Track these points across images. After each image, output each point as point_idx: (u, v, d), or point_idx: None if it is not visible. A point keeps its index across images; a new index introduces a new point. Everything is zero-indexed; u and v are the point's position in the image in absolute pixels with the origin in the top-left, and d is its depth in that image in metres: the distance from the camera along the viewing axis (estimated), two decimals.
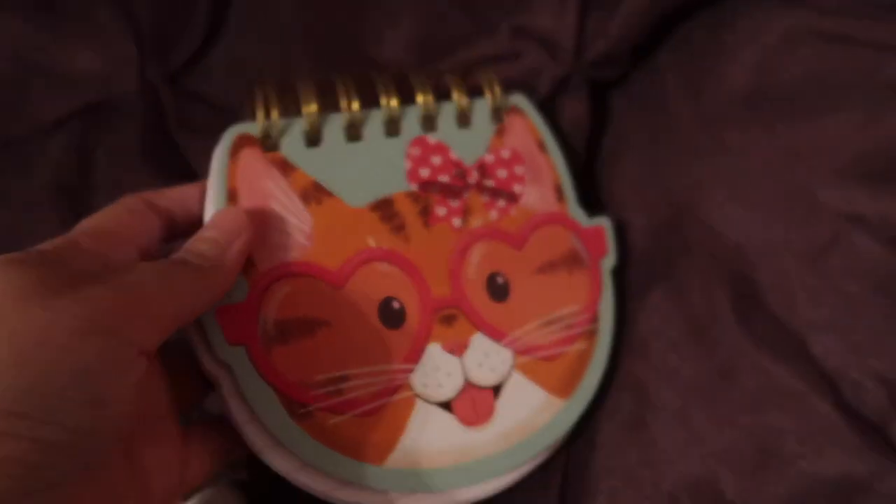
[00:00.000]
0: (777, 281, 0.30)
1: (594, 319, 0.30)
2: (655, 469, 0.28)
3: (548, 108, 0.34)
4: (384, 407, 0.26)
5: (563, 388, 0.29)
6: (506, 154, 0.30)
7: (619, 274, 0.32)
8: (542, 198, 0.30)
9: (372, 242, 0.27)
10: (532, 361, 0.28)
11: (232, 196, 0.26)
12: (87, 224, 0.24)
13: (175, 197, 0.27)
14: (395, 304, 0.27)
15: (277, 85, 0.28)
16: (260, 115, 0.27)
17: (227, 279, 0.24)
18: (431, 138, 0.29)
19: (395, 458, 0.26)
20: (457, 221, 0.29)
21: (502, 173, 0.30)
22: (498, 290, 0.29)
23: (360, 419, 0.25)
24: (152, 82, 0.37)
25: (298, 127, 0.28)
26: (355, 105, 0.28)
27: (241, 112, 0.30)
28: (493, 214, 0.29)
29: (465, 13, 0.36)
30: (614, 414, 0.30)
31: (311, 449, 0.25)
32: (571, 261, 0.30)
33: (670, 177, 0.32)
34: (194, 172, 0.35)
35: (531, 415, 0.28)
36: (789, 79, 0.32)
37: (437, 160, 0.29)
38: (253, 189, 0.27)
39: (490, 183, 0.29)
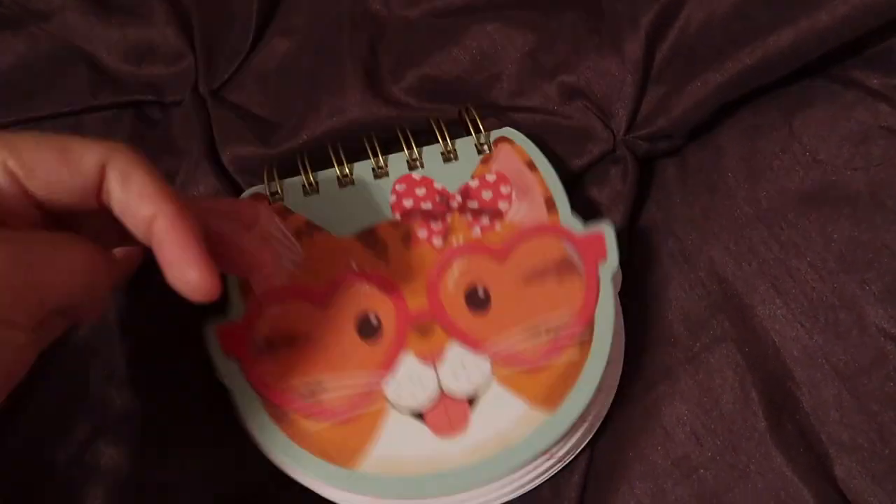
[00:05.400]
0: (812, 393, 0.29)
1: (588, 327, 0.29)
2: None
3: (592, 175, 0.33)
4: (359, 416, 0.28)
5: (549, 399, 0.28)
6: (491, 178, 0.31)
7: (628, 280, 0.31)
8: (532, 211, 0.31)
9: (354, 266, 0.30)
10: (514, 373, 0.28)
11: None
12: None
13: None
14: (372, 319, 0.29)
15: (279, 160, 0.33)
16: (266, 179, 0.32)
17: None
18: (416, 175, 0.32)
19: (367, 464, 0.27)
20: (437, 241, 0.30)
21: (487, 195, 0.31)
22: (478, 301, 0.29)
23: (335, 427, 0.28)
24: (201, 93, 0.37)
25: (298, 181, 0.32)
26: (345, 168, 0.32)
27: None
28: (477, 231, 0.30)
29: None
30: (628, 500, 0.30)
31: (288, 450, 0.27)
32: (562, 268, 0.30)
33: (719, 261, 0.31)
34: (231, 177, 0.35)
35: (509, 427, 0.27)
36: (855, 180, 0.30)
37: (420, 191, 0.31)
38: None
39: (474, 204, 0.31)
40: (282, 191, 0.31)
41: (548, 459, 0.28)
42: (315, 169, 0.32)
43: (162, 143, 0.36)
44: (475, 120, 0.32)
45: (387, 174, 0.32)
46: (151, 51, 0.38)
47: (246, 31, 0.38)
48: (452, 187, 0.31)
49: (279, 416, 0.28)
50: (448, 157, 0.32)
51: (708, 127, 0.33)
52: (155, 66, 0.38)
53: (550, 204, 0.31)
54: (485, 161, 0.31)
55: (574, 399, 0.28)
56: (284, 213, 0.31)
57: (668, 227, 0.33)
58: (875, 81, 0.32)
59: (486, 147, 0.32)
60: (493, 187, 0.31)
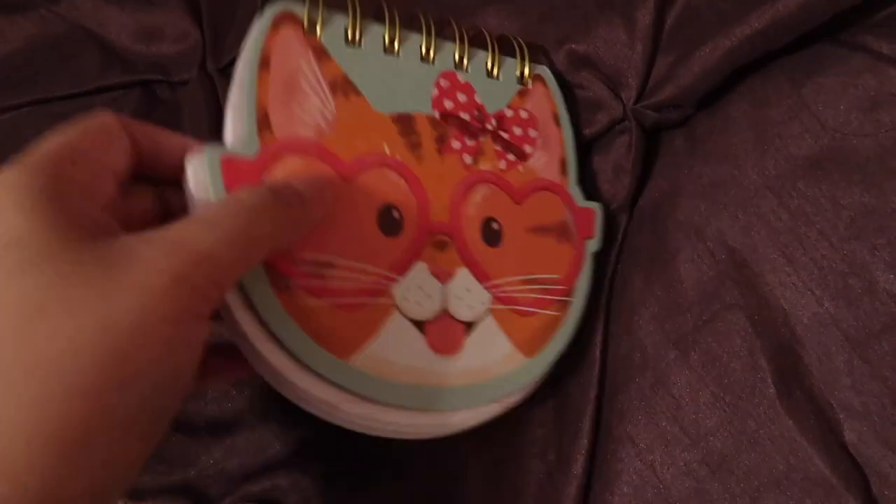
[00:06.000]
0: (822, 359, 0.29)
1: (570, 292, 0.31)
2: None
3: (601, 144, 0.33)
4: (362, 306, 0.26)
5: (530, 346, 0.29)
6: (524, 114, 0.31)
7: (600, 258, 0.33)
8: (548, 166, 0.31)
9: (387, 149, 0.28)
10: (507, 312, 0.29)
11: (264, 62, 0.26)
12: (58, 143, 0.20)
13: (152, 134, 0.24)
14: (395, 214, 0.27)
15: None
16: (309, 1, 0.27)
17: (318, 214, 0.24)
18: (461, 76, 0.30)
19: (359, 359, 0.25)
20: (468, 158, 0.30)
21: (517, 130, 0.31)
22: (492, 234, 0.29)
23: (335, 310, 0.25)
24: (209, 72, 0.37)
25: (342, 22, 0.28)
26: (396, 30, 0.29)
27: None
28: (502, 164, 0.30)
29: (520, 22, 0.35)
30: (629, 466, 0.30)
31: (282, 323, 0.24)
32: (561, 232, 0.31)
33: (728, 230, 0.31)
34: None
35: (494, 361, 0.28)
36: (865, 146, 0.30)
37: (462, 97, 0.30)
38: (285, 62, 0.26)
39: (505, 135, 0.31)
40: (321, 25, 0.27)
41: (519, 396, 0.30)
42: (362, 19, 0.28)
43: (170, 121, 0.36)
44: (523, 47, 0.31)
45: (432, 62, 0.30)
46: (160, 30, 0.38)
47: (253, 9, 0.38)
48: (489, 106, 0.30)
49: (279, 284, 0.24)
50: (491, 73, 0.31)
51: (716, 96, 0.33)
52: (163, 44, 0.38)
53: (563, 165, 0.31)
54: (521, 94, 0.31)
55: (549, 351, 0.30)
56: (321, 53, 0.27)
57: (676, 198, 0.32)
58: (885, 47, 0.31)
59: (527, 80, 0.31)
60: (523, 125, 0.31)
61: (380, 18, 0.28)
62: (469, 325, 0.28)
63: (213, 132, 0.35)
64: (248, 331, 0.24)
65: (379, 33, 0.28)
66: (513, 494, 0.32)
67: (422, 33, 0.29)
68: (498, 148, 0.30)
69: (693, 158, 0.33)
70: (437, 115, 0.29)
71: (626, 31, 0.32)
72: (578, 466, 0.30)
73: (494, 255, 0.29)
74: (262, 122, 0.25)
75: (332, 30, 0.27)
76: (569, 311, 0.31)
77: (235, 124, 0.25)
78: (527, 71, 0.31)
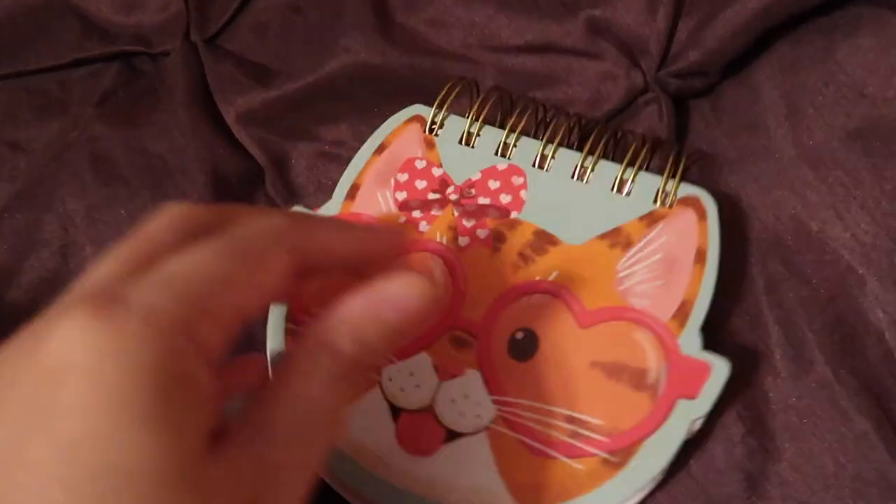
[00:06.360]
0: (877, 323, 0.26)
1: (626, 452, 0.23)
2: None
3: (621, 120, 0.31)
4: None
5: (526, 494, 0.23)
6: (648, 241, 0.26)
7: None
8: (656, 300, 0.26)
9: (442, 238, 0.28)
10: (512, 441, 0.24)
11: (381, 148, 0.29)
12: (188, 284, 0.15)
13: (324, 238, 0.20)
14: None
15: (462, 85, 0.30)
16: (436, 105, 0.30)
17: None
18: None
19: None
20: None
21: (638, 258, 0.26)
22: (516, 345, 0.25)
23: None
24: (193, 42, 0.34)
25: (462, 126, 0.29)
26: (514, 135, 0.29)
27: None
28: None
29: None
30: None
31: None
32: (639, 381, 0.24)
33: (760, 206, 0.29)
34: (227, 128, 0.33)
35: (469, 489, 0.24)
36: None
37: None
38: (397, 149, 0.29)
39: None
40: (442, 124, 0.29)
41: None
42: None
43: (151, 94, 0.34)
44: (678, 163, 0.27)
45: (546, 169, 0.28)
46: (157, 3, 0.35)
47: None
48: (602, 225, 0.27)
49: (289, 325, 0.26)
50: (620, 186, 0.27)
51: (743, 63, 0.31)
52: (144, 14, 0.36)
53: (683, 310, 0.25)
54: (652, 216, 0.26)
55: None
56: (430, 147, 0.29)
57: (702, 172, 0.30)
58: None
59: (668, 200, 0.27)
60: (644, 252, 0.26)
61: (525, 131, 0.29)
62: (454, 434, 0.24)
63: (195, 106, 0.33)
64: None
65: (499, 139, 0.29)
66: None
67: (542, 137, 0.28)
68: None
69: (720, 130, 0.31)
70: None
71: None
72: None
73: (520, 371, 0.25)
74: (350, 194, 0.29)
75: (450, 131, 0.29)
76: (616, 474, 0.23)
77: (335, 195, 0.29)
78: (671, 188, 0.27)
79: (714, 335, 0.26)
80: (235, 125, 0.32)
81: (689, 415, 0.24)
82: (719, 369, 0.24)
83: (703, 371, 0.24)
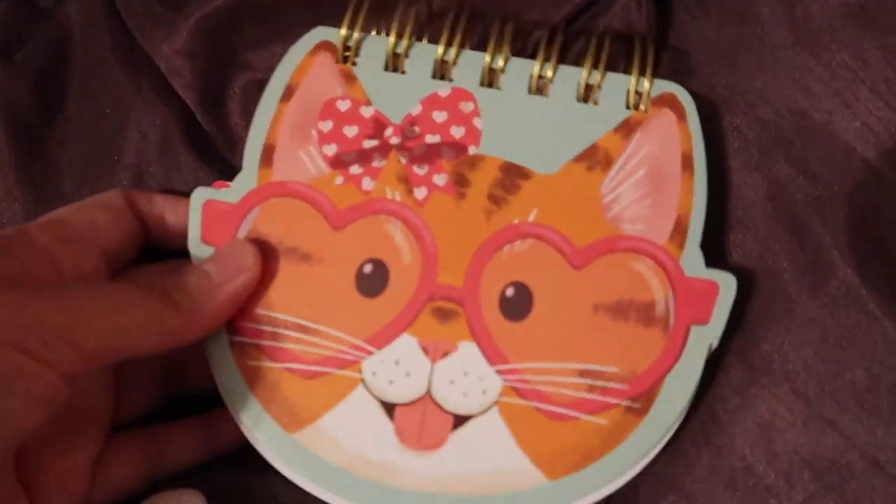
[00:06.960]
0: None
1: (648, 395, 0.22)
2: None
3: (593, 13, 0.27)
4: (321, 376, 0.23)
5: (556, 463, 0.22)
6: (625, 153, 0.24)
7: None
8: (649, 221, 0.24)
9: (392, 194, 0.24)
10: (527, 410, 0.22)
11: (287, 94, 0.25)
12: (52, 216, 0.23)
13: (169, 205, 0.25)
14: (378, 270, 0.23)
15: None
16: (345, 26, 0.25)
17: (204, 324, 0.22)
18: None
19: (306, 435, 0.22)
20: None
21: (614, 172, 0.24)
22: (509, 303, 0.23)
23: (290, 375, 0.23)
24: None
25: (382, 47, 0.25)
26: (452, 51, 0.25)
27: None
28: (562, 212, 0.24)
29: None
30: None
31: (232, 383, 0.23)
32: (647, 314, 0.23)
33: (757, 100, 0.26)
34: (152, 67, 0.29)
35: (488, 472, 0.22)
36: None
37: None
38: (309, 93, 0.25)
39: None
40: (358, 49, 0.25)
41: None
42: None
43: (58, 38, 0.30)
44: (645, 57, 0.24)
45: (500, 87, 0.25)
46: None
47: None
48: (574, 146, 0.24)
49: (235, 341, 0.23)
50: (586, 93, 0.24)
51: None
52: None
53: (680, 228, 0.23)
54: (628, 124, 0.24)
55: (588, 477, 0.22)
56: (351, 80, 0.25)
57: (691, 68, 0.27)
58: None
59: (641, 104, 0.24)
60: (626, 170, 0.24)
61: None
62: (462, 419, 0.22)
63: (114, 45, 0.29)
64: (215, 374, 0.23)
65: (429, 55, 0.25)
66: None
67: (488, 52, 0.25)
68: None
69: (707, 22, 0.28)
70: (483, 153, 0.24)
71: None
72: None
73: (519, 332, 0.23)
74: (265, 160, 0.24)
75: (370, 54, 0.25)
76: (641, 422, 0.22)
77: (243, 162, 0.24)
78: (645, 88, 0.24)
79: (714, 256, 0.24)
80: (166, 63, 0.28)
81: (704, 340, 0.23)
82: (727, 285, 0.23)
83: (712, 291, 0.23)
